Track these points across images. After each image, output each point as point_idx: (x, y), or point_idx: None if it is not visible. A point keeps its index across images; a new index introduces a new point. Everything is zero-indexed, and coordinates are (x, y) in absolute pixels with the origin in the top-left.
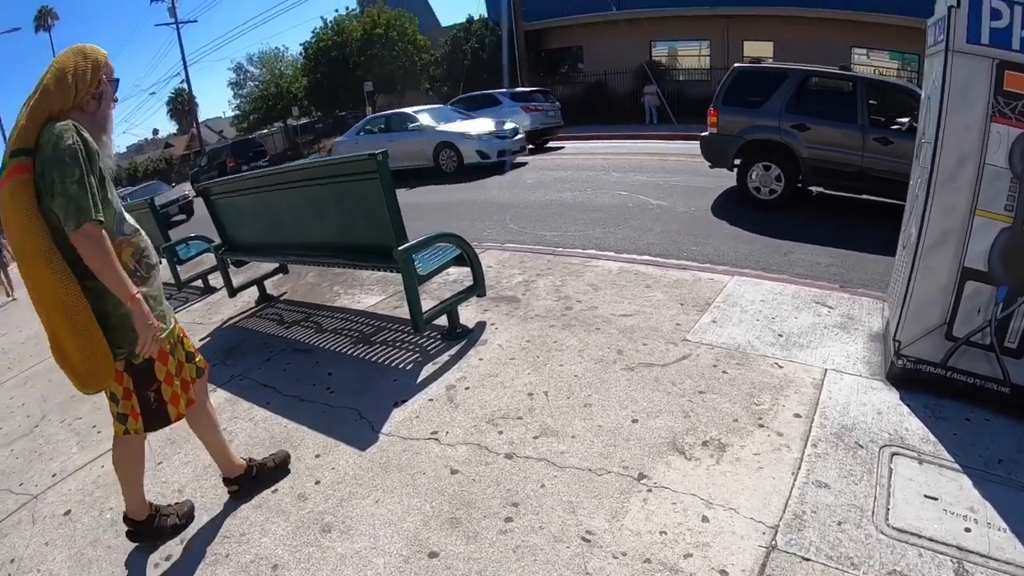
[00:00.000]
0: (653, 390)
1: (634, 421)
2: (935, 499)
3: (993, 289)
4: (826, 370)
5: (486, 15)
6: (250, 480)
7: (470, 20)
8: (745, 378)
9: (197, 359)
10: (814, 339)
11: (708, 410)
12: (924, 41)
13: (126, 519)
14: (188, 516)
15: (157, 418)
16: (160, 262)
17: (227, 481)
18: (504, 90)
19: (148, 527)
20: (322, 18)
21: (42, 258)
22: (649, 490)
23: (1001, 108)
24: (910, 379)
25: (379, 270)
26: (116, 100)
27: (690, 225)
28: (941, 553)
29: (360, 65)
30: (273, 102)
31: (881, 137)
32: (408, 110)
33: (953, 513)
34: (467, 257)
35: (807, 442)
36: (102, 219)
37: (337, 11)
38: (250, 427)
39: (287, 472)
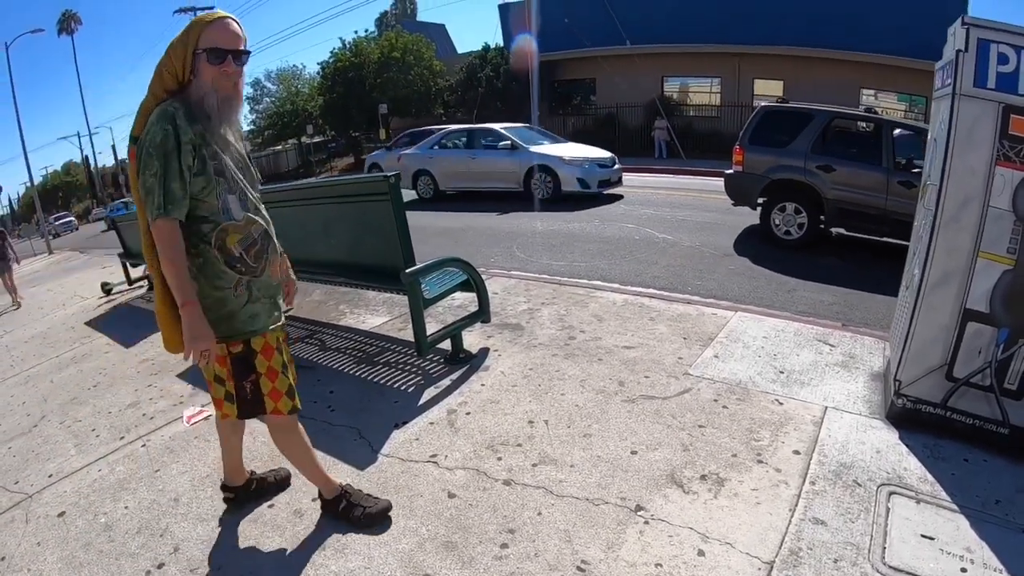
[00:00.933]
0: (653, 423)
1: (633, 453)
2: (932, 539)
3: (994, 331)
4: (826, 408)
5: (502, 44)
6: (248, 492)
7: (486, 49)
8: (745, 414)
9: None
10: (815, 377)
11: (707, 444)
12: (931, 84)
13: (224, 487)
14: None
15: (251, 408)
16: (282, 254)
17: (225, 488)
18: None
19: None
20: (340, 39)
21: (143, 234)
22: (646, 522)
23: (1006, 152)
24: (910, 419)
25: (386, 291)
26: (232, 71)
27: (695, 260)
28: None
29: (376, 87)
30: (288, 119)
31: (905, 180)
32: (496, 126)
33: (949, 553)
34: (473, 283)
35: (805, 479)
36: (174, 215)
37: (356, 32)
38: (249, 441)
39: (286, 488)
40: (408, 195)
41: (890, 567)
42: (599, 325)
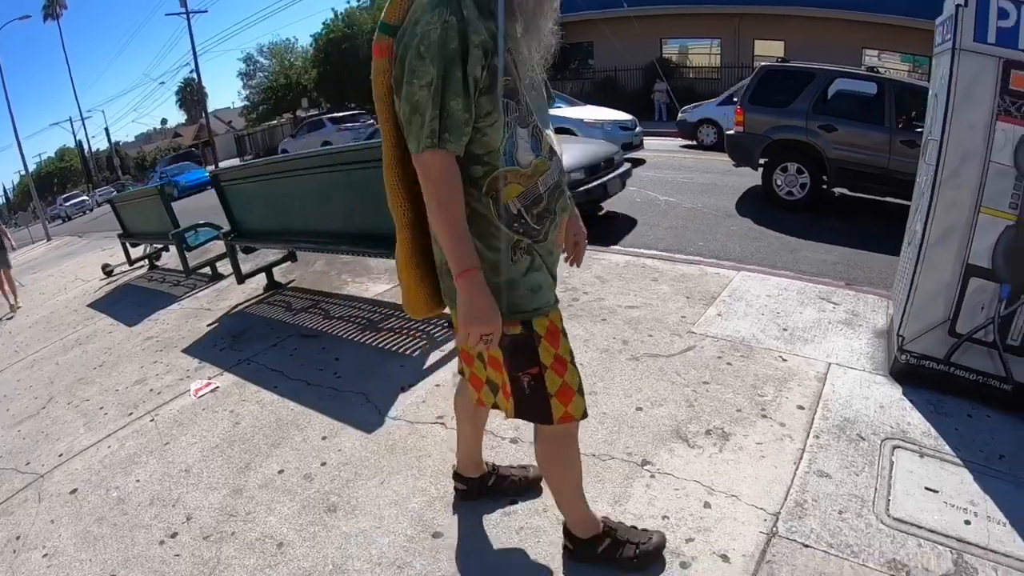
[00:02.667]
0: (658, 380)
1: (638, 409)
2: (936, 491)
3: (996, 286)
4: (829, 364)
5: None
6: (484, 487)
7: None
8: (749, 370)
9: None
10: (818, 334)
11: (712, 400)
12: (933, 42)
13: (456, 476)
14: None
15: (532, 410)
16: (566, 209)
17: (457, 477)
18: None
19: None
20: (333, 9)
21: (387, 167)
22: (652, 476)
23: (1007, 107)
24: (913, 375)
25: (386, 257)
26: None
27: (697, 221)
28: (941, 544)
29: (370, 58)
30: (283, 93)
31: (908, 140)
32: None
33: (953, 506)
34: None
35: (809, 433)
36: (451, 148)
37: (349, 2)
38: (257, 409)
39: (534, 494)
40: None
41: (894, 519)
42: (602, 286)
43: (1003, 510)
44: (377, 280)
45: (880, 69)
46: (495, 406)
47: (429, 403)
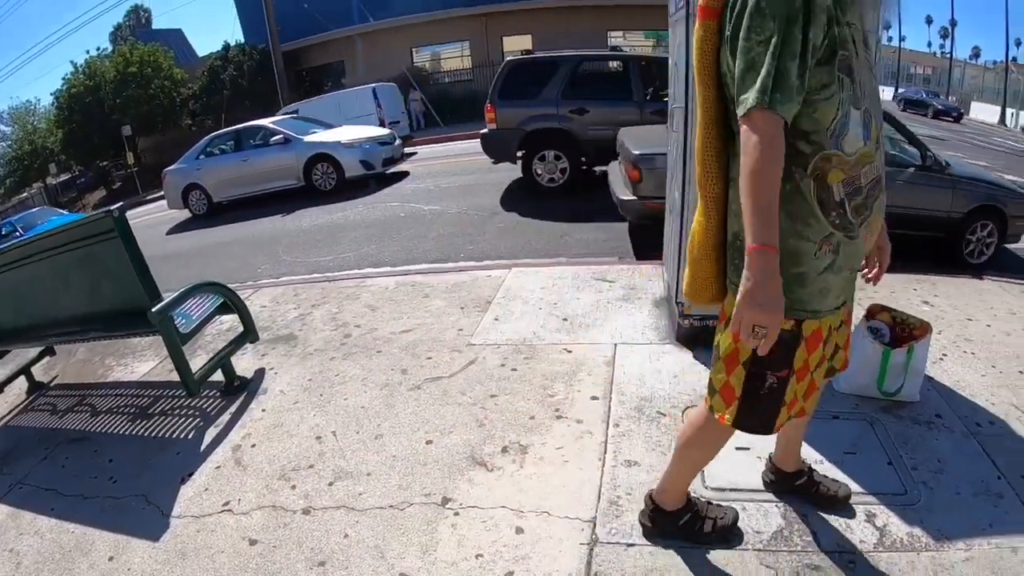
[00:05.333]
0: (443, 405)
1: (428, 443)
2: (747, 448)
3: None
4: (616, 345)
5: (243, 40)
6: (790, 485)
7: (227, 48)
8: (536, 371)
9: (839, 357)
10: (600, 316)
11: (502, 413)
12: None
13: (649, 499)
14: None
15: (754, 417)
16: (882, 210)
17: (773, 469)
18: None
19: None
20: (72, 62)
21: (702, 141)
22: (456, 513)
23: None
24: (700, 336)
25: (141, 335)
26: None
27: (464, 225)
28: (764, 501)
29: (116, 108)
30: (29, 161)
31: (659, 110)
32: (263, 122)
33: (766, 459)
34: (231, 303)
35: (609, 423)
36: (780, 112)
37: (89, 52)
38: (37, 542)
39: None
40: (182, 214)
41: (712, 489)
42: (373, 315)
43: (816, 447)
44: (142, 358)
45: (624, 48)
46: (711, 409)
47: (212, 490)
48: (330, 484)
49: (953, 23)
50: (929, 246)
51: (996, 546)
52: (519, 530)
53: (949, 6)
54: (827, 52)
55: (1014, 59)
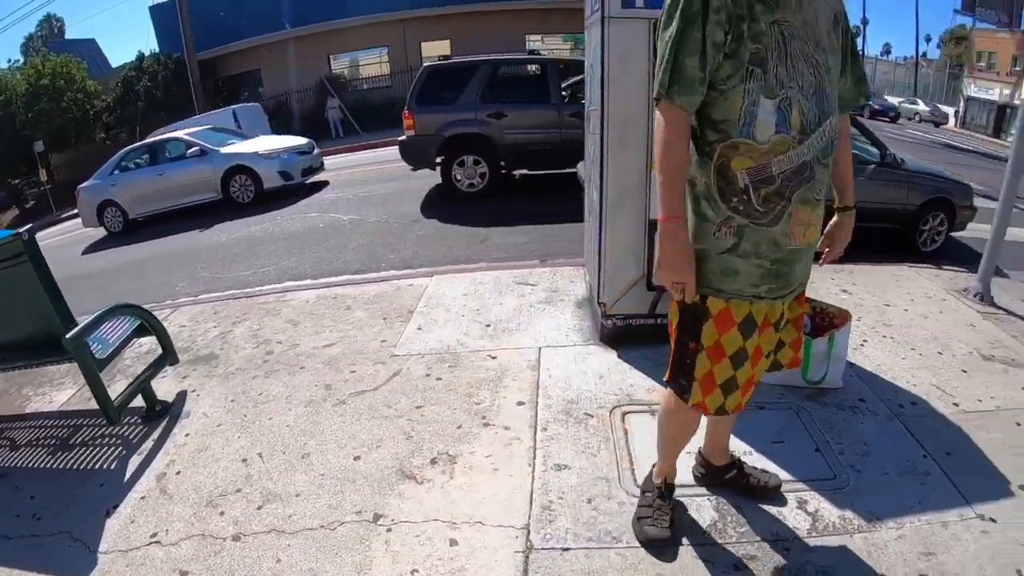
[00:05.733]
0: (369, 419)
1: (356, 458)
2: None
3: None
4: (540, 348)
5: (158, 50)
6: (719, 479)
7: (141, 58)
8: (461, 379)
9: (785, 353)
10: (523, 320)
11: (429, 424)
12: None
13: (699, 456)
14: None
15: (677, 382)
16: (810, 203)
17: (703, 462)
18: None
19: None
20: None
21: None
22: (388, 529)
23: None
24: (624, 335)
25: (57, 363)
26: None
27: (384, 234)
28: (697, 496)
29: (28, 123)
30: None
31: (577, 112)
32: (179, 134)
33: (695, 453)
34: (148, 325)
35: (536, 428)
36: (677, 102)
37: None
38: None
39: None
40: (98, 233)
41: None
42: (295, 331)
43: (744, 437)
44: (60, 387)
45: (541, 52)
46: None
47: (139, 522)
48: (259, 508)
49: (865, 21)
50: (884, 238)
51: (927, 522)
52: (453, 542)
53: (860, 5)
54: (733, 46)
55: (924, 55)
